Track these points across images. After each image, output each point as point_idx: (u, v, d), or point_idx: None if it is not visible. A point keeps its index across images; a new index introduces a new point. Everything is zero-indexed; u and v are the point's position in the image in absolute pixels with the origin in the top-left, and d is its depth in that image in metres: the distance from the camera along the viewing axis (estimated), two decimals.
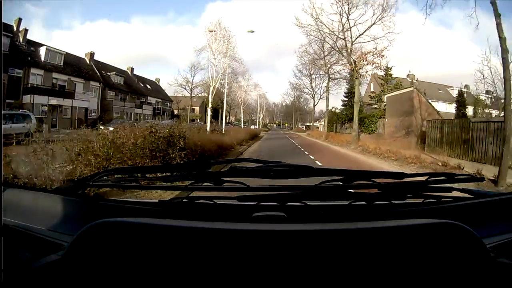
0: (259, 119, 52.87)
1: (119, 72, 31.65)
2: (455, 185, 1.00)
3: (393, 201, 0.95)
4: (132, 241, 0.70)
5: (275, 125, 66.64)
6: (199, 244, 0.69)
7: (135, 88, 32.96)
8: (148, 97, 34.60)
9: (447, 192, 0.99)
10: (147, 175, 1.14)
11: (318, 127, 51.91)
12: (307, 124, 54.63)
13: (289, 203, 0.92)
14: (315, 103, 34.23)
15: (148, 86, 35.68)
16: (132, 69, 34.18)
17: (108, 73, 29.70)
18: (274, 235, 0.70)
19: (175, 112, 40.85)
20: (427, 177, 0.98)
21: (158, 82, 37.74)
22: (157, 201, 0.95)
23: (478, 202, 1.00)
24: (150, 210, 0.94)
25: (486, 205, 0.98)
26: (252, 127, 36.89)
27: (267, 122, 64.79)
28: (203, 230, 0.72)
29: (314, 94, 33.76)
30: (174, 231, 0.71)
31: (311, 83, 33.62)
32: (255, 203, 0.91)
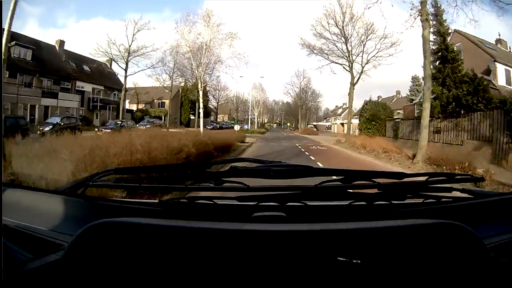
0: (252, 116, 39.63)
1: (28, 43, 18.77)
2: (455, 185, 1.00)
3: (393, 201, 0.95)
4: (132, 241, 0.70)
5: (275, 124, 58.35)
6: (199, 244, 0.69)
7: (56, 68, 20.75)
8: (77, 82, 22.31)
9: (447, 192, 0.99)
10: (147, 175, 1.14)
11: (329, 127, 41.37)
12: (314, 123, 44.69)
13: (289, 203, 0.92)
14: (354, 82, 17.73)
15: (86, 68, 23.78)
16: (62, 42, 22.39)
17: (8, 44, 15.63)
18: (274, 235, 0.70)
19: (135, 105, 30.06)
20: (427, 177, 0.98)
21: (110, 65, 25.16)
22: (157, 201, 0.95)
23: (478, 202, 1.00)
24: (150, 210, 0.94)
25: (486, 205, 0.98)
26: (237, 127, 22.99)
27: (266, 121, 54.78)
28: (203, 230, 0.72)
29: (352, 63, 17.94)
30: (174, 231, 0.71)
31: (346, 43, 17.92)
32: (255, 203, 0.91)
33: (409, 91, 26.30)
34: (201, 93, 16.41)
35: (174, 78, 27.55)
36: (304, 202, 0.92)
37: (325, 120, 48.19)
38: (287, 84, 46.88)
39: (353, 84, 18.31)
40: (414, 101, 20.91)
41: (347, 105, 44.83)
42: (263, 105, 45.44)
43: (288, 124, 54.66)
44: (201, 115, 15.80)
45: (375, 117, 18.70)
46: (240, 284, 0.67)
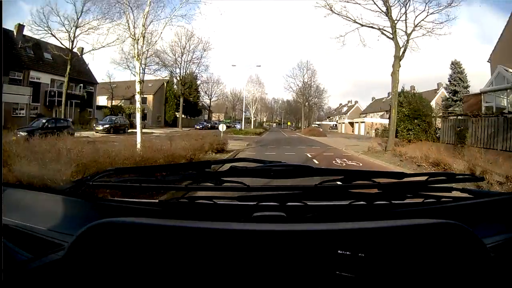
0: (246, 113, 33.90)
1: None
2: (455, 185, 1.00)
3: (393, 201, 0.95)
4: (132, 241, 0.70)
5: (274, 124, 54.23)
6: (199, 244, 0.69)
7: (6, 55, 15.01)
8: (32, 72, 18.15)
9: (447, 192, 0.99)
10: (147, 175, 1.13)
11: (334, 126, 37.60)
12: (317, 123, 40.51)
13: (289, 203, 0.92)
14: (400, 54, 12.18)
15: (47, 56, 18.95)
16: (22, 27, 18.09)
17: None
18: (274, 235, 0.70)
19: (109, 102, 26.14)
20: (427, 177, 0.98)
21: (81, 54, 19.51)
22: (157, 201, 0.95)
23: (478, 202, 1.00)
24: (150, 210, 0.94)
25: (486, 205, 0.98)
26: (222, 127, 14.86)
27: (264, 120, 50.08)
28: (203, 230, 0.72)
29: (395, 27, 12.34)
30: (174, 231, 0.71)
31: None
32: (255, 203, 0.91)
33: (449, 81, 21.36)
34: (138, 66, 9.36)
35: (152, 67, 22.14)
36: (304, 202, 0.92)
37: (328, 119, 44.64)
38: (289, 77, 41.67)
39: (398, 58, 12.05)
40: (481, 90, 14.12)
41: (353, 103, 41.82)
42: (260, 101, 39.66)
43: (289, 123, 50.82)
44: (138, 105, 9.28)
45: (418, 113, 12.48)
46: (240, 283, 0.67)
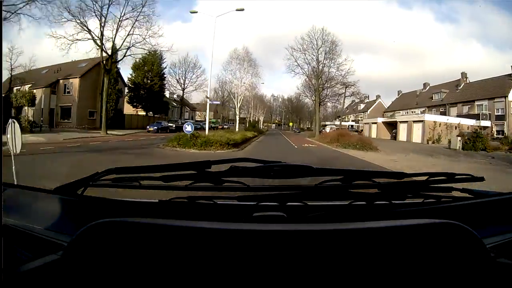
0: (213, 100, 20.03)
1: None
2: (455, 185, 1.00)
3: (393, 201, 0.95)
4: (132, 241, 0.70)
5: (273, 125, 47.92)
6: (199, 244, 0.69)
7: None
8: None
9: (447, 192, 0.99)
10: (147, 175, 1.14)
11: (351, 127, 26.50)
12: (328, 123, 31.67)
13: (289, 203, 0.92)
14: None
15: None
16: None
17: None
18: (274, 235, 0.70)
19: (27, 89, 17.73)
20: (427, 177, 0.98)
21: None
22: (157, 201, 0.95)
23: (478, 202, 1.00)
24: (150, 210, 0.94)
25: (486, 205, 0.98)
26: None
27: (261, 120, 39.48)
28: (203, 230, 0.72)
29: None
30: (174, 231, 0.71)
31: None
32: (255, 203, 0.91)
33: None
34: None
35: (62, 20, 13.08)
36: (304, 202, 0.92)
37: (338, 119, 33.55)
38: (295, 50, 25.22)
39: None
40: None
41: (374, 98, 33.31)
42: (252, 91, 26.30)
43: (291, 124, 43.03)
44: None
45: None
46: (240, 284, 0.67)
